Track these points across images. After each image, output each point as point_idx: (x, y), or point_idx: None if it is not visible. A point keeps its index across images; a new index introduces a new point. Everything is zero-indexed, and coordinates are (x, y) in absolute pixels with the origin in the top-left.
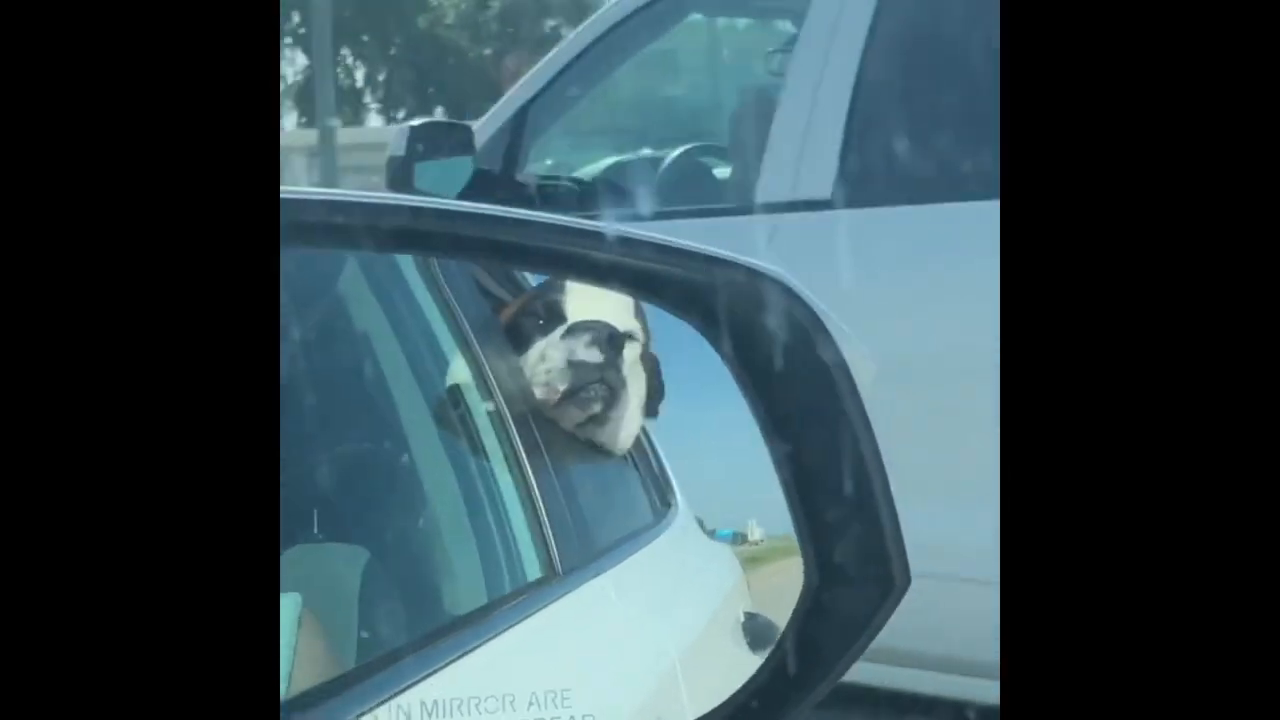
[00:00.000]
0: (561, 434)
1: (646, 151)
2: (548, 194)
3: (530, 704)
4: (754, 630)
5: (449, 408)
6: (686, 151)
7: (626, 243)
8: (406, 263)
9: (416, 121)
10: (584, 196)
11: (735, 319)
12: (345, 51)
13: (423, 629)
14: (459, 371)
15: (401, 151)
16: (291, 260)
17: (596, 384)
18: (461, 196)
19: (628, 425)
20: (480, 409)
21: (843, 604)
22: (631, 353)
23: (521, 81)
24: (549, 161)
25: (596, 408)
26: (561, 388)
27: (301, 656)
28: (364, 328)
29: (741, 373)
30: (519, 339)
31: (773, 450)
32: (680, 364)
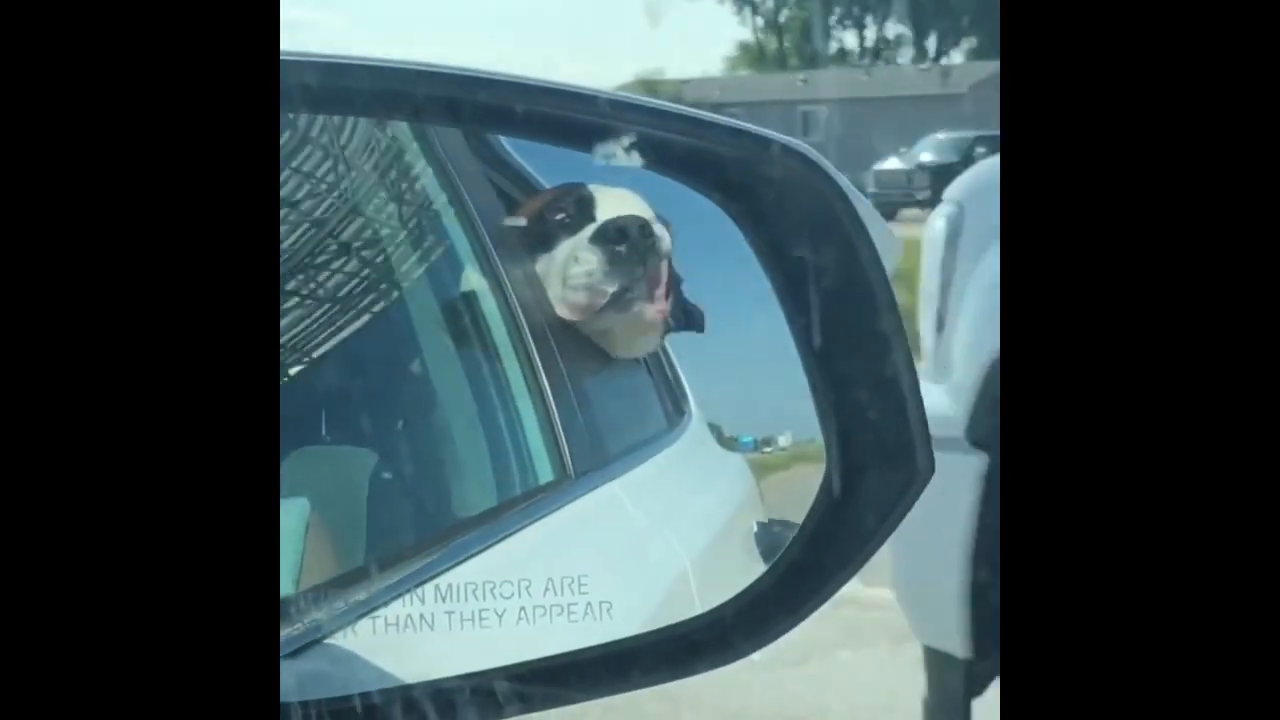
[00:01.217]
0: (575, 336)
1: None
2: None
3: (546, 590)
4: (767, 540)
5: (461, 309)
6: None
7: (650, 113)
8: (418, 159)
9: None
10: None
11: (760, 193)
12: None
13: (433, 529)
14: (472, 273)
15: None
16: (301, 153)
17: (640, 282)
18: None
19: (656, 327)
20: (493, 310)
21: (866, 492)
22: (665, 247)
23: None
24: None
25: (637, 308)
26: (610, 289)
27: (309, 559)
28: (375, 225)
29: (765, 251)
30: (541, 240)
31: (794, 329)
32: (707, 273)
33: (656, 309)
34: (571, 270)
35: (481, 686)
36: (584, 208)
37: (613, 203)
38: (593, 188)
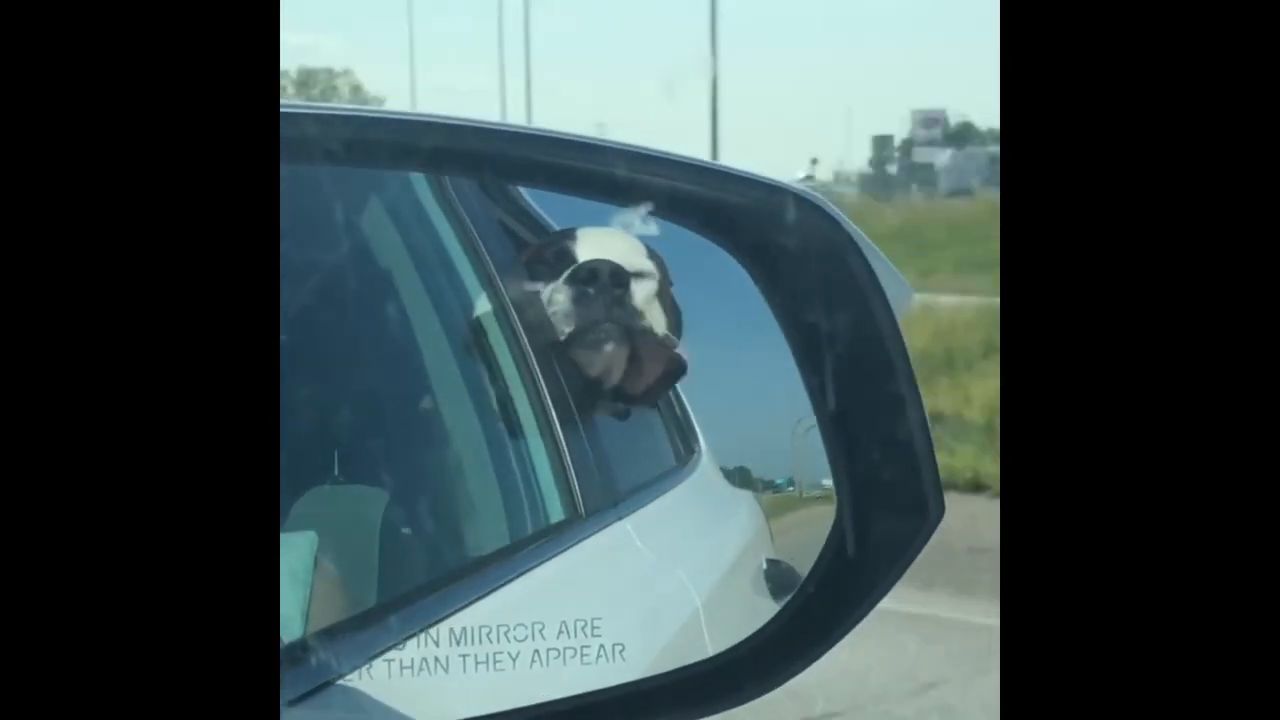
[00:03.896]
0: (584, 377)
1: None
2: None
3: (560, 632)
4: (776, 578)
5: (473, 350)
6: None
7: (657, 162)
8: (430, 202)
9: None
10: None
11: (769, 239)
12: None
13: (445, 568)
14: (483, 314)
15: None
16: (316, 196)
17: (605, 324)
18: None
19: (648, 366)
20: (504, 353)
21: (878, 534)
22: (644, 291)
23: None
24: None
25: (608, 348)
26: (567, 329)
27: (317, 596)
28: (388, 267)
29: (774, 296)
30: (535, 283)
31: (805, 377)
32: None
33: (630, 351)
34: (547, 310)
35: None
36: (568, 251)
37: (596, 244)
38: (580, 231)
